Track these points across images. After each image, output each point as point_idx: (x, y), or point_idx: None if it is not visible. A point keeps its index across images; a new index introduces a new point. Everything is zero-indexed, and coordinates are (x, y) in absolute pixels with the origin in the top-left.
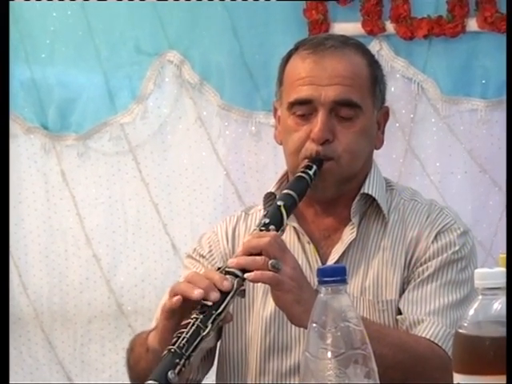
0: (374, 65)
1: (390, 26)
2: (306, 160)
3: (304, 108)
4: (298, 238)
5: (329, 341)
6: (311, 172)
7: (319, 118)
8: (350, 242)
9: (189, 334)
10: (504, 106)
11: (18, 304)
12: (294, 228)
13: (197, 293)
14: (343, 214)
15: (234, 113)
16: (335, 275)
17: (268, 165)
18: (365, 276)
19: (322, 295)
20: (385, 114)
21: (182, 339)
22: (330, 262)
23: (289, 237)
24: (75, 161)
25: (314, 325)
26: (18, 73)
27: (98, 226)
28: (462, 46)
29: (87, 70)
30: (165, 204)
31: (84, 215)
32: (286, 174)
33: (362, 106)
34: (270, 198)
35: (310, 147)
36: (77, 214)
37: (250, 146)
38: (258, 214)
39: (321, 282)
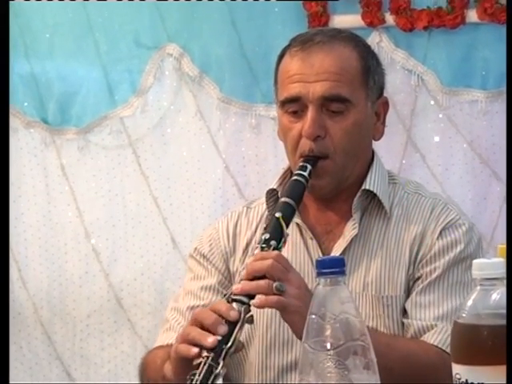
0: (366, 56)
1: (390, 18)
2: (301, 159)
3: (294, 105)
4: (301, 233)
5: (328, 332)
6: (306, 173)
7: (309, 115)
8: (352, 238)
9: (201, 375)
10: (504, 96)
11: (17, 298)
12: (297, 224)
13: (210, 341)
14: (344, 209)
15: (233, 105)
16: (334, 267)
17: (268, 157)
18: (367, 271)
19: (320, 287)
20: (384, 105)
21: (196, 381)
22: None
23: (291, 232)
24: (75, 155)
25: (313, 316)
26: (18, 67)
27: (98, 219)
28: (462, 37)
29: (87, 63)
30: (164, 197)
31: (83, 209)
32: (288, 170)
33: (353, 100)
34: (272, 194)
35: (304, 144)
36: (76, 208)
37: (250, 139)
38: (260, 207)
39: (320, 274)
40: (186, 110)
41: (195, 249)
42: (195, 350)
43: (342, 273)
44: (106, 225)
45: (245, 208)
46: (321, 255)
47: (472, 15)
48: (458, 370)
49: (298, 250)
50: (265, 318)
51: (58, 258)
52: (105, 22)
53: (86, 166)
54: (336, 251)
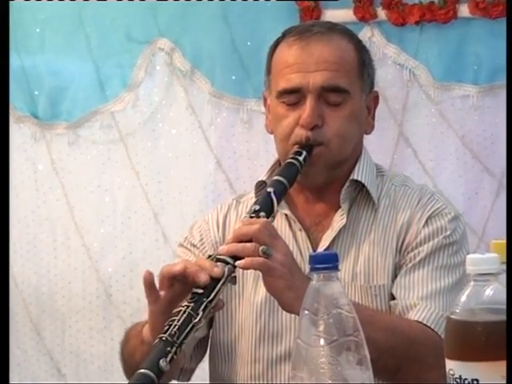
0: (361, 49)
1: (382, 13)
2: (296, 146)
3: (293, 96)
4: (290, 225)
5: (321, 328)
6: (301, 158)
7: (308, 104)
8: (340, 229)
9: (180, 321)
10: (496, 91)
11: None
12: (286, 215)
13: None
14: (333, 200)
15: (225, 100)
16: (327, 262)
17: (259, 152)
18: (356, 261)
19: (314, 282)
20: (374, 99)
21: (174, 327)
22: (321, 248)
23: (280, 224)
24: (65, 149)
25: (306, 312)
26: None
27: (88, 215)
28: (454, 31)
29: (78, 58)
30: (155, 193)
31: (73, 204)
32: (276, 162)
33: (350, 91)
34: (261, 186)
35: (300, 133)
36: (66, 204)
37: (242, 134)
38: (250, 201)
39: (313, 269)
40: (177, 104)
41: (185, 238)
42: (183, 265)
43: (336, 268)
44: (96, 220)
45: (234, 201)
46: (309, 247)
47: (464, 10)
48: (452, 366)
49: (286, 241)
50: (254, 310)
51: (46, 253)
52: (96, 16)
53: (76, 160)
54: (324, 242)
